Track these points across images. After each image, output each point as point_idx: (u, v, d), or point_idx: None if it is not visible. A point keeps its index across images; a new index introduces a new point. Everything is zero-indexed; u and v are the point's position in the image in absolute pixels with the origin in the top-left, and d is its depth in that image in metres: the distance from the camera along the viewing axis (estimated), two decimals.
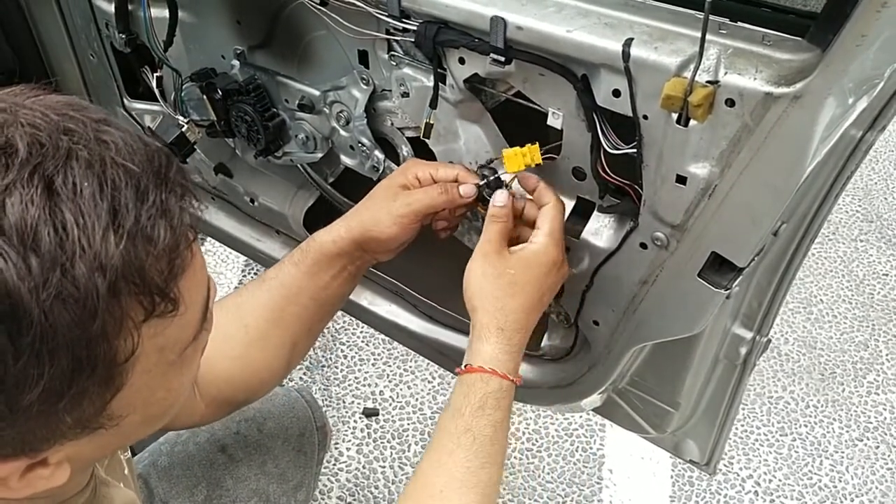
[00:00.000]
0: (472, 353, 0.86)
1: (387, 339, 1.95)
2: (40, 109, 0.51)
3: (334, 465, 1.86)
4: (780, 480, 1.87)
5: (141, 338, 0.52)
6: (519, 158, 0.90)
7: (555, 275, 0.90)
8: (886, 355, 2.14)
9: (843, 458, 1.91)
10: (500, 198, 0.92)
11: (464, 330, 1.25)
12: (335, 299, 1.00)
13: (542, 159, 0.91)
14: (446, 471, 0.81)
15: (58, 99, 0.53)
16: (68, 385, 0.49)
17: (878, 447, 1.94)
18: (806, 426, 1.98)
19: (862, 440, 1.95)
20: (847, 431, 1.97)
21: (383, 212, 0.93)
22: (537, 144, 0.90)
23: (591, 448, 1.91)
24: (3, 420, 0.49)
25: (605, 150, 0.84)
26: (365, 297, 1.32)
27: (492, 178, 0.95)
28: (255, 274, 2.29)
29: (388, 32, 0.93)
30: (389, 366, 2.08)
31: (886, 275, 2.37)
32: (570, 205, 0.95)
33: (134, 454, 1.15)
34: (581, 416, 1.96)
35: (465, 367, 0.86)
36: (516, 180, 0.94)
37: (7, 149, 0.48)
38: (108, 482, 0.74)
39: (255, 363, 0.97)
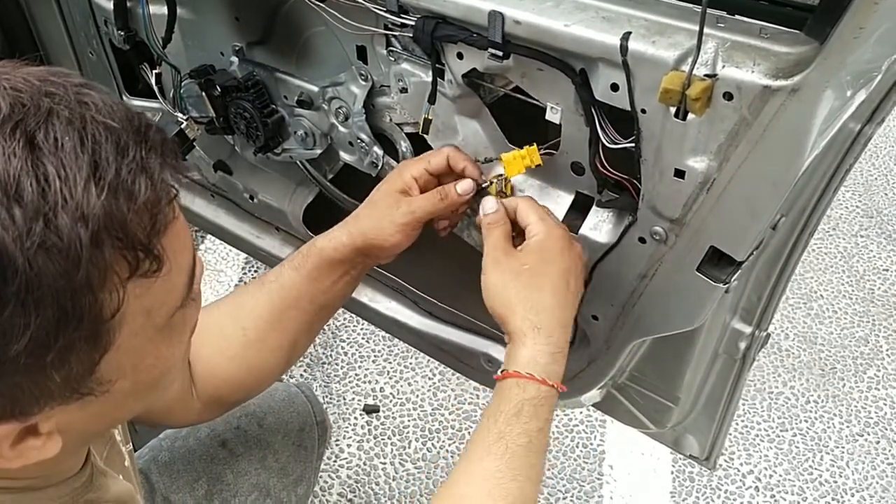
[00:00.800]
0: (509, 358, 0.83)
1: (387, 335, 1.95)
2: (22, 76, 0.52)
3: (335, 461, 1.86)
4: (780, 476, 1.87)
5: (126, 295, 0.52)
6: (518, 161, 0.91)
7: (569, 254, 0.87)
8: (887, 350, 2.14)
9: (843, 453, 1.91)
10: (489, 205, 0.91)
11: (463, 326, 1.25)
12: (335, 302, 1.00)
13: (541, 156, 0.91)
14: (473, 479, 0.78)
15: (39, 68, 0.55)
16: (55, 337, 0.50)
17: (878, 442, 1.94)
18: (806, 421, 1.98)
19: (862, 435, 1.95)
20: (847, 427, 1.97)
21: (385, 220, 0.93)
22: (535, 145, 0.90)
23: (591, 444, 1.91)
24: None
25: (603, 144, 0.84)
26: (365, 294, 1.33)
27: (493, 177, 0.95)
28: (256, 271, 2.29)
29: (386, 28, 0.93)
30: (390, 362, 2.08)
31: (887, 270, 2.37)
32: (568, 199, 0.95)
33: (135, 450, 1.16)
34: (581, 412, 1.96)
35: (502, 372, 0.83)
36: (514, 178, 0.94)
37: None
38: (105, 472, 0.74)
39: (252, 364, 0.97)
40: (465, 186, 0.93)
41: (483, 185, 0.95)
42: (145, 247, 0.52)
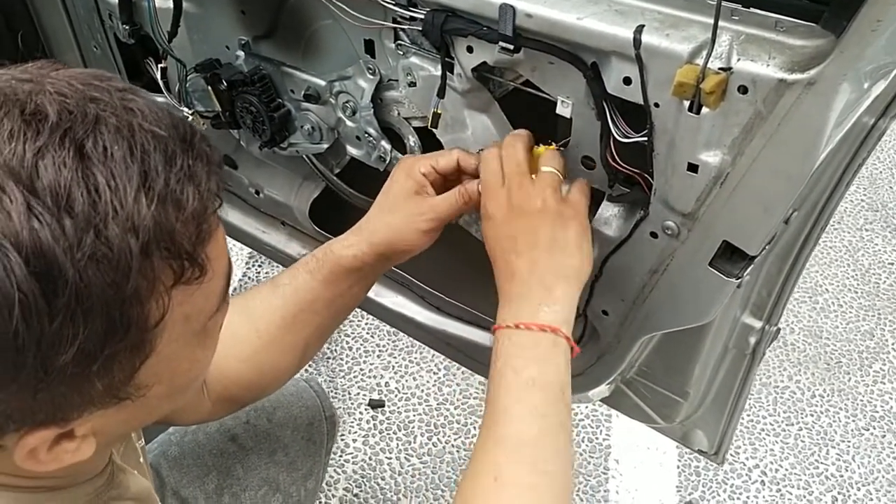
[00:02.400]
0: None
1: (392, 330, 1.95)
2: (65, 79, 0.52)
3: (340, 456, 1.86)
4: (786, 470, 1.87)
5: (171, 303, 0.53)
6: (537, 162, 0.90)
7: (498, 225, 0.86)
8: (892, 344, 2.14)
9: (849, 447, 1.91)
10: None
11: (470, 321, 1.24)
12: (350, 304, 0.99)
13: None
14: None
15: (80, 71, 0.54)
16: (101, 347, 0.50)
17: (884, 436, 1.93)
18: (812, 415, 1.98)
19: (868, 429, 1.95)
20: (853, 421, 1.97)
21: (410, 227, 0.92)
22: (552, 144, 0.89)
23: (597, 438, 1.91)
24: (39, 382, 0.50)
25: (614, 138, 0.83)
26: (371, 289, 1.32)
27: None
28: (260, 266, 2.29)
29: (394, 21, 0.92)
30: (395, 357, 2.07)
31: (892, 264, 2.36)
32: None
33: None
34: (587, 407, 1.96)
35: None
36: None
37: (37, 114, 0.49)
38: (124, 469, 0.74)
39: (265, 366, 0.96)
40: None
41: None
42: (190, 255, 0.53)
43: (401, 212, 0.92)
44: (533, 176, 0.86)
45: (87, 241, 0.47)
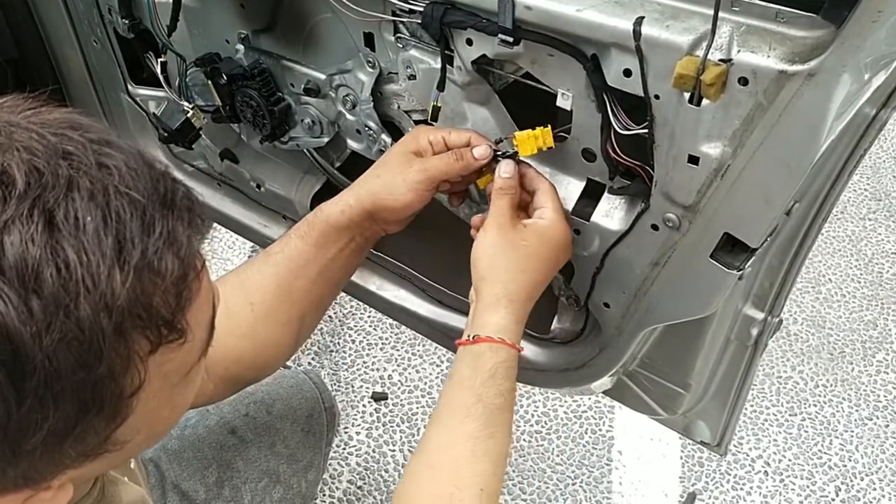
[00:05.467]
0: (478, 323, 0.86)
1: (394, 323, 1.95)
2: (36, 129, 0.48)
3: (344, 449, 1.87)
4: (789, 460, 1.87)
5: (147, 370, 0.50)
6: (531, 141, 0.89)
7: (564, 253, 0.91)
8: None
9: (852, 437, 1.91)
10: (506, 168, 0.90)
11: None
12: (343, 272, 0.99)
13: (553, 140, 0.90)
14: (455, 443, 0.81)
15: (55, 116, 0.50)
16: (73, 426, 0.48)
17: (887, 426, 1.93)
18: (815, 406, 1.98)
19: (871, 419, 1.95)
20: (857, 410, 1.97)
21: (398, 179, 0.91)
22: (549, 127, 0.89)
23: (600, 430, 1.91)
24: (7, 464, 0.48)
25: (615, 130, 0.83)
26: (373, 282, 1.32)
27: (508, 151, 0.93)
28: None
29: (394, 14, 0.92)
30: (397, 350, 2.08)
31: (895, 254, 2.36)
32: (579, 186, 0.94)
33: None
34: (590, 398, 1.96)
35: (473, 337, 0.85)
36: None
37: (3, 178, 0.45)
38: (115, 480, 0.73)
39: (262, 340, 0.95)
40: (481, 151, 0.91)
41: (498, 155, 0.93)
42: (169, 323, 0.50)
43: (392, 166, 0.92)
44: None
45: (57, 323, 0.44)
